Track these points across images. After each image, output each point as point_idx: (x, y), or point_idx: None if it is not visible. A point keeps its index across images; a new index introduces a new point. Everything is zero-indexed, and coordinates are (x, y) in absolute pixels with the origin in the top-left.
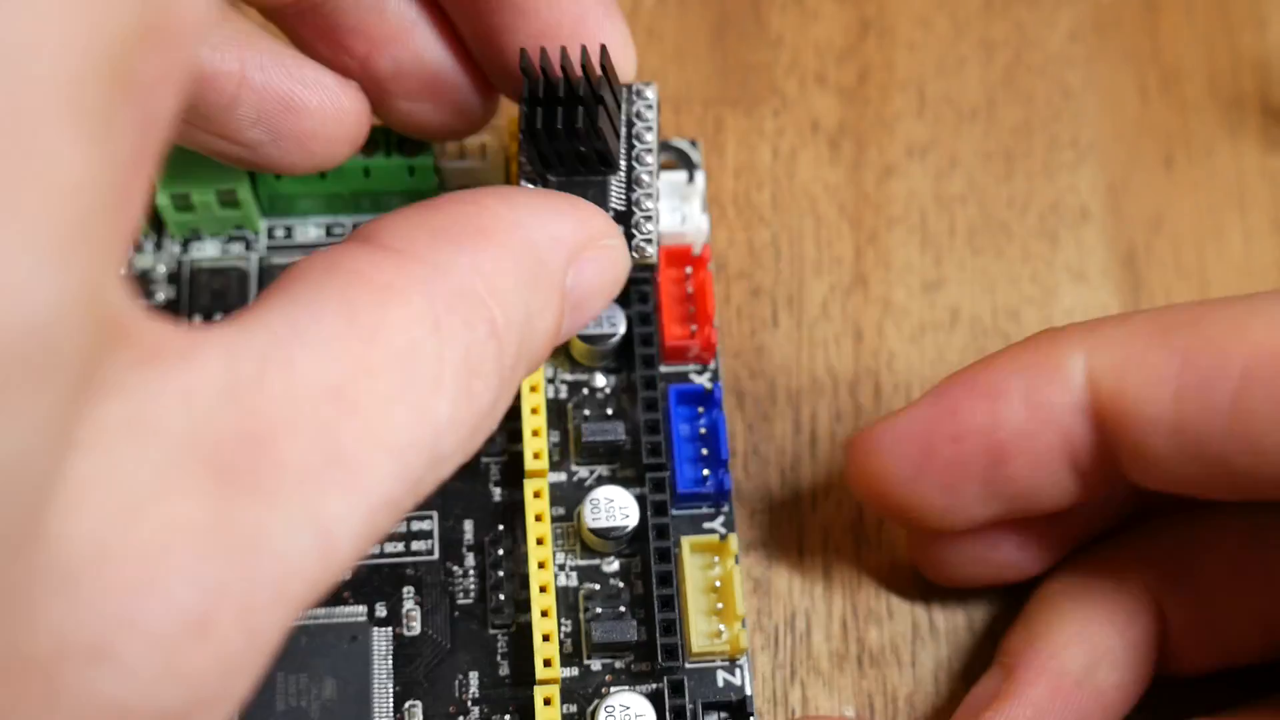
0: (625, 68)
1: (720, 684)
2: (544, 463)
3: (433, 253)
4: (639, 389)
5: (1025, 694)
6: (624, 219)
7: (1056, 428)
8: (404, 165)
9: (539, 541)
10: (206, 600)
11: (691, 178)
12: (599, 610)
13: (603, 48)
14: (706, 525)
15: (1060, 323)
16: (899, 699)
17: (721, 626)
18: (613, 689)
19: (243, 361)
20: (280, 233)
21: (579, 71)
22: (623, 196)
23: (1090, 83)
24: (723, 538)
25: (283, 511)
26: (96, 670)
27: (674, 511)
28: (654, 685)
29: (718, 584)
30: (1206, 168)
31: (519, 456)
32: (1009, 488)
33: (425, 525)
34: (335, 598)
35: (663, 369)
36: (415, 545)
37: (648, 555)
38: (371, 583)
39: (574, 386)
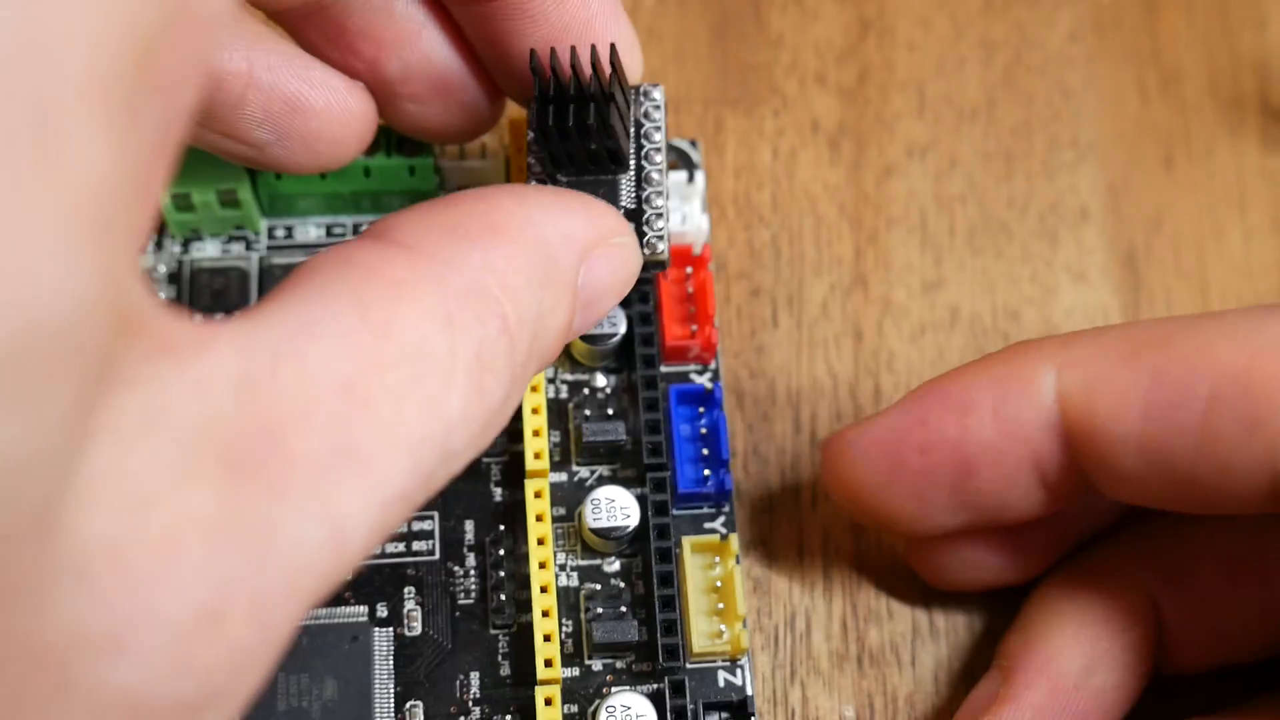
0: (633, 69)
1: (721, 684)
2: (545, 463)
3: (445, 249)
4: (640, 389)
5: (1023, 697)
6: (635, 217)
7: (1024, 443)
8: (404, 165)
9: (540, 542)
10: (219, 593)
11: (692, 178)
12: (600, 610)
13: (612, 46)
14: (707, 525)
15: (1060, 323)
16: (899, 699)
17: (722, 627)
18: (614, 689)
19: (255, 355)
20: (280, 233)
21: (589, 70)
22: (633, 195)
23: (1090, 83)
24: (723, 538)
25: (294, 505)
26: (109, 662)
27: (675, 511)
28: (655, 685)
29: (718, 584)
30: (1206, 168)
31: (520, 456)
32: (977, 499)
33: (426, 525)
34: (336, 598)
35: (663, 369)
36: (416, 545)
37: (649, 555)
38: (373, 583)
39: (575, 386)
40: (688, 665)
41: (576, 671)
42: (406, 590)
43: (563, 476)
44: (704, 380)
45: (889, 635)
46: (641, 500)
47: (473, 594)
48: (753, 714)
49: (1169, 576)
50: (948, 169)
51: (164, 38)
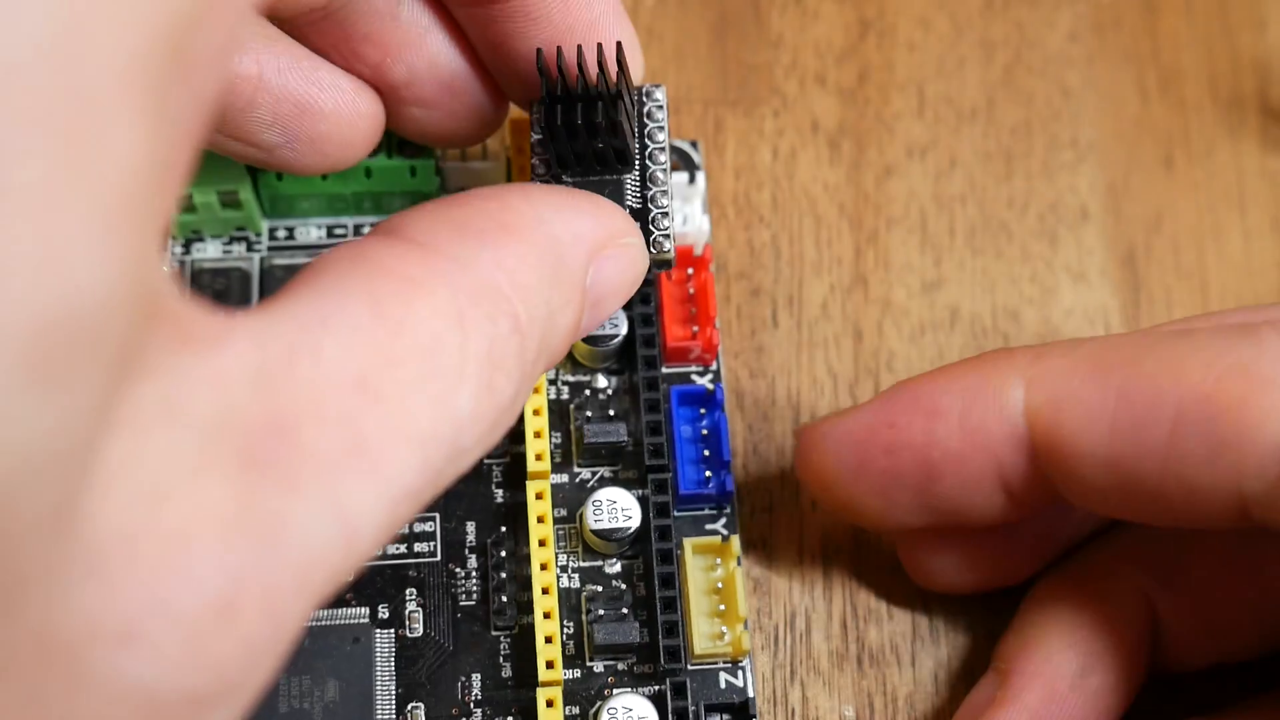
0: (635, 70)
1: (722, 686)
2: (546, 464)
3: (457, 247)
4: (641, 390)
5: (1019, 700)
6: (640, 216)
7: (989, 454)
8: (406, 166)
9: (541, 543)
10: (232, 586)
11: (693, 179)
12: (601, 612)
13: (618, 45)
14: (709, 527)
15: (1060, 323)
16: (899, 699)
17: (724, 628)
18: (615, 691)
19: (272, 349)
20: (282, 234)
21: (595, 69)
22: (638, 194)
23: (1090, 83)
24: (725, 539)
25: (306, 500)
26: (125, 653)
27: (676, 513)
28: (656, 687)
29: (720, 586)
30: (1206, 168)
31: (521, 458)
32: (941, 502)
33: (428, 527)
34: (338, 599)
35: (665, 370)
36: (418, 547)
37: (650, 557)
38: (374, 584)
39: (576, 388)
40: (689, 667)
41: (578, 673)
42: (408, 592)
43: (564, 478)
44: (705, 381)
45: (889, 635)
46: (643, 502)
47: (474, 595)
48: (754, 715)
49: (1163, 576)
50: (948, 169)
51: (195, 26)
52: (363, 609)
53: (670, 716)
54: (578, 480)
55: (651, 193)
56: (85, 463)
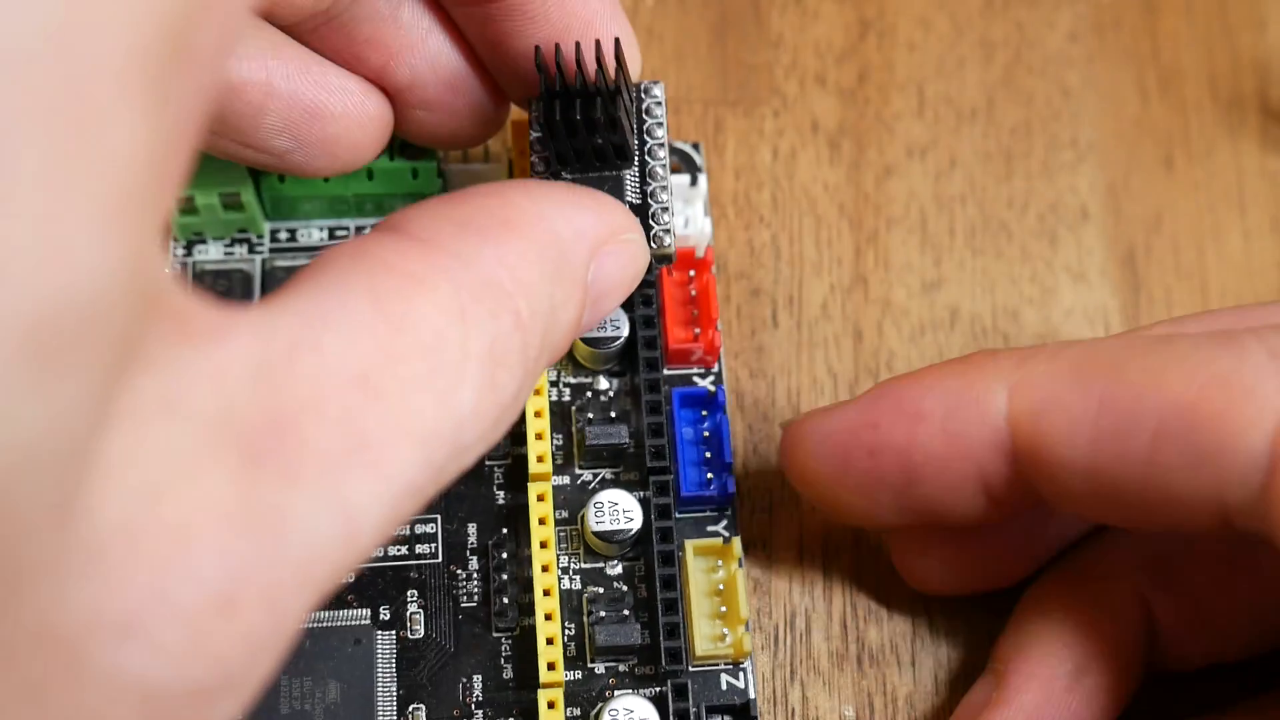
0: (633, 66)
1: (724, 687)
2: (548, 466)
3: (459, 244)
4: (642, 392)
5: (1016, 701)
6: (640, 212)
7: (971, 458)
8: (408, 168)
9: (542, 545)
10: (233, 580)
11: (695, 180)
12: (603, 613)
13: (616, 41)
14: (710, 528)
15: (1060, 323)
16: (899, 699)
17: (725, 630)
18: (616, 692)
19: (273, 344)
20: (284, 235)
21: (594, 66)
22: (638, 190)
23: (1090, 83)
24: (726, 541)
25: (307, 495)
26: (124, 647)
27: (678, 515)
28: (658, 689)
29: (721, 587)
30: (1206, 168)
31: (523, 460)
32: (923, 504)
33: (429, 529)
34: (339, 601)
35: (666, 372)
36: (419, 549)
37: (651, 558)
38: (375, 586)
39: (578, 389)
40: (690, 668)
41: (579, 675)
42: (409, 593)
43: (565, 480)
44: (707, 384)
45: (889, 635)
46: (644, 503)
47: (475, 597)
48: (755, 717)
49: (1159, 575)
50: (947, 169)
51: (193, 22)
52: (364, 611)
53: (671, 718)
54: (579, 482)
55: (651, 188)
56: (85, 455)
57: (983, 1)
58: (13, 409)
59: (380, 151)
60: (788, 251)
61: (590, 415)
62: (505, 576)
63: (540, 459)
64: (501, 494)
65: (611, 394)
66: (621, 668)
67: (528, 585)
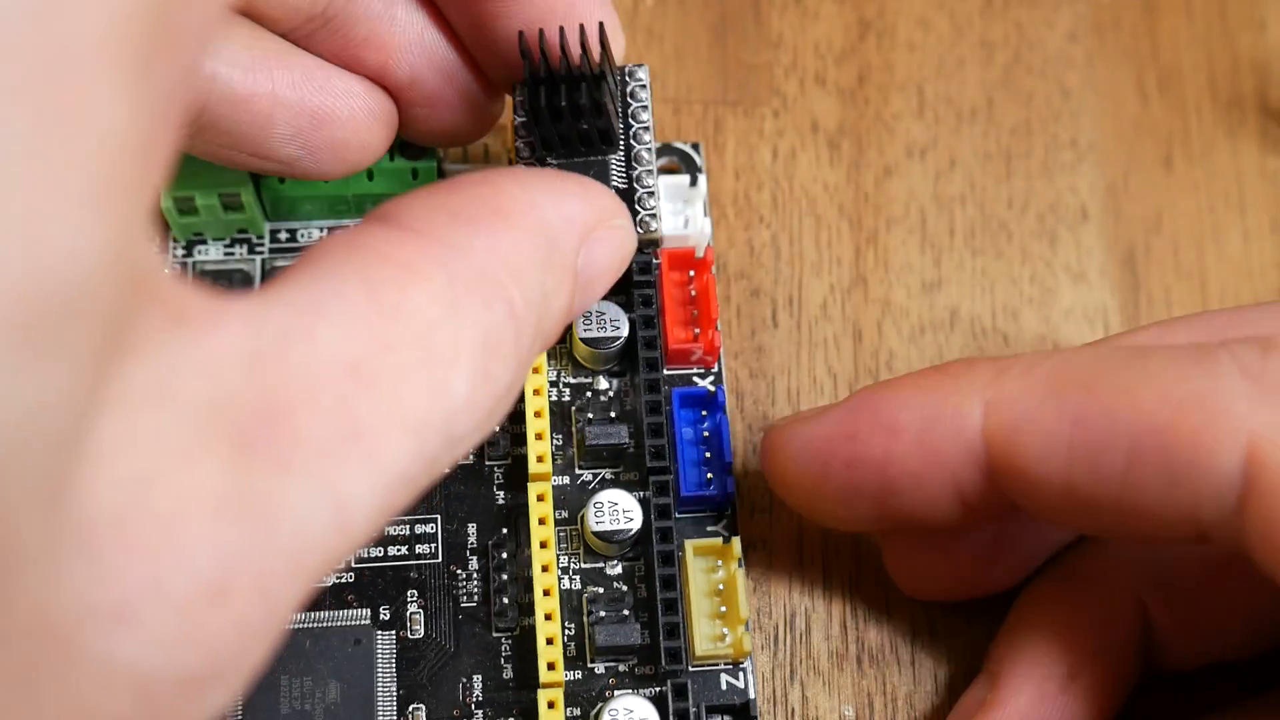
0: (616, 50)
1: (724, 687)
2: (547, 466)
3: (451, 233)
4: (642, 392)
5: (1011, 702)
6: (626, 196)
7: (947, 472)
8: (408, 168)
9: (542, 545)
10: (225, 568)
11: (694, 181)
12: (602, 613)
13: (600, 25)
14: (710, 528)
15: (1060, 323)
16: (899, 699)
17: (725, 630)
18: (616, 692)
19: (265, 333)
20: (284, 236)
21: (578, 50)
22: (624, 174)
23: (1089, 83)
24: (726, 541)
25: (300, 483)
26: (116, 634)
27: (677, 515)
28: (657, 688)
29: (721, 587)
30: (1206, 168)
31: (523, 460)
32: (901, 512)
33: (429, 529)
34: (339, 601)
35: (666, 372)
36: (419, 549)
37: (651, 558)
38: (375, 586)
39: (577, 389)
40: (690, 668)
41: (579, 675)
42: (409, 593)
43: (565, 480)
44: (706, 384)
45: (889, 635)
46: (644, 503)
47: (475, 597)
48: (755, 717)
49: (1154, 576)
50: (947, 169)
51: (174, 1)
52: (364, 611)
53: (671, 718)
54: (579, 482)
55: (637, 172)
56: (75, 440)
57: (982, 2)
58: (1, 391)
59: (388, 149)
60: (787, 252)
61: (590, 415)
62: (505, 576)
63: (540, 459)
64: (501, 494)
65: (611, 394)
66: (621, 668)
67: (528, 585)
